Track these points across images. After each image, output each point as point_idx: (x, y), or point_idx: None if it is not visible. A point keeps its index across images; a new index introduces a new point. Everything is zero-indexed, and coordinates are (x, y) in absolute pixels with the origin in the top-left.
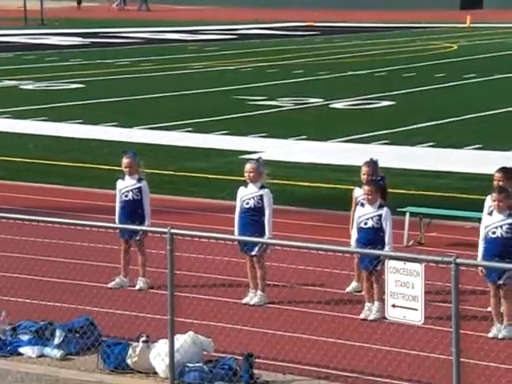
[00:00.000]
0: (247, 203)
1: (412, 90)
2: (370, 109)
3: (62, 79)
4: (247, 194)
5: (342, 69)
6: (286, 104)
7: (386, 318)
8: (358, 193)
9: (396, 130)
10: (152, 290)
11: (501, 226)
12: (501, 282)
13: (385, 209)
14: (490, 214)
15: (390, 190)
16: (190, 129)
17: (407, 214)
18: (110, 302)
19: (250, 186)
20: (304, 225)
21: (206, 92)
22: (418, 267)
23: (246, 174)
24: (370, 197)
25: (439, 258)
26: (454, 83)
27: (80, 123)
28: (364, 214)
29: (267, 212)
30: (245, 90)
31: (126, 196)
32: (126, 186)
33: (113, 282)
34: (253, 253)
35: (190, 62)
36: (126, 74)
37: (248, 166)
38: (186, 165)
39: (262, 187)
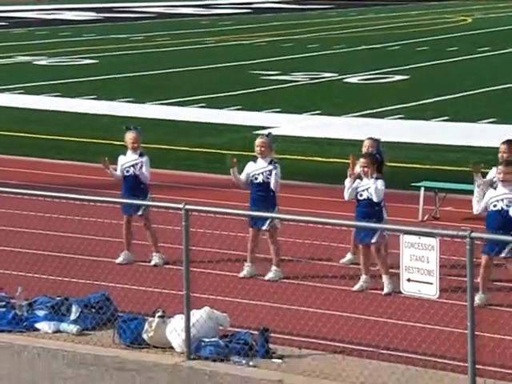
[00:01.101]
0: (256, 178)
1: (425, 64)
2: (383, 83)
3: (76, 54)
4: (256, 169)
5: (356, 43)
6: (300, 79)
7: (400, 292)
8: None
9: (410, 104)
10: (167, 266)
11: (502, 200)
12: (503, 255)
13: (378, 181)
14: (493, 187)
15: (404, 165)
16: (203, 104)
17: (422, 189)
18: (126, 277)
19: (260, 161)
20: (316, 200)
21: (220, 67)
22: (433, 241)
23: (256, 149)
24: (365, 169)
25: (454, 233)
26: (468, 57)
27: (93, 99)
28: (360, 185)
29: (272, 186)
30: (259, 64)
31: (128, 171)
32: (127, 161)
33: (120, 259)
34: (264, 227)
35: (203, 36)
36: (139, 49)
37: (258, 141)
38: (200, 141)
39: (271, 162)
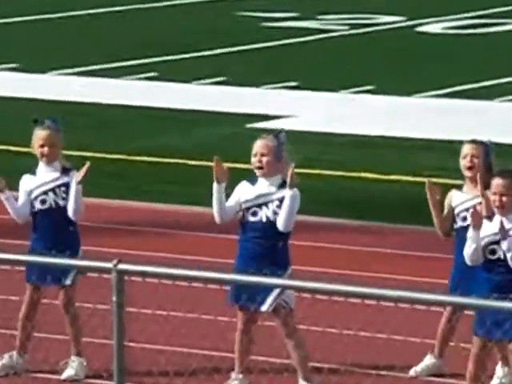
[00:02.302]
0: (254, 213)
1: None
2: (490, 34)
3: None
4: (255, 198)
5: None
6: (334, 27)
7: None
8: (458, 198)
9: None
10: (90, 381)
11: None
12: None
13: None
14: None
15: None
16: (153, 74)
17: None
18: None
19: (261, 182)
20: (361, 251)
21: (185, 4)
22: None
23: (254, 160)
24: (505, 199)
25: None
26: None
27: None
28: (492, 233)
29: (282, 227)
30: (255, 1)
31: (44, 202)
32: (41, 182)
33: None
34: (263, 307)
35: None
36: None
37: (259, 145)
38: (147, 142)
39: (283, 184)
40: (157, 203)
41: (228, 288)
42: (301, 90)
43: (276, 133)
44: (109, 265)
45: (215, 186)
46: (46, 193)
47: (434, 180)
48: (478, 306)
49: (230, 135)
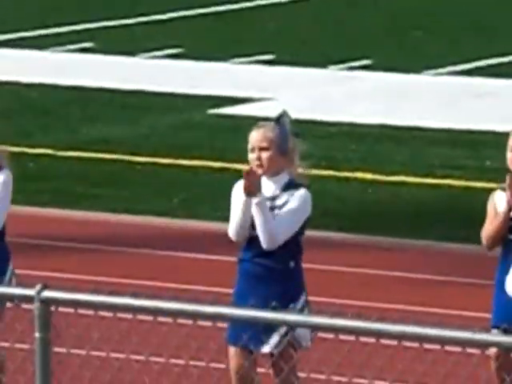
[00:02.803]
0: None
1: None
2: None
3: None
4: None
5: None
6: None
7: None
8: (502, 198)
9: None
10: None
11: None
12: None
13: None
14: None
15: None
16: (89, 44)
17: None
18: None
19: (264, 182)
20: (356, 274)
21: None
22: None
23: (251, 157)
24: None
25: None
26: None
27: None
28: None
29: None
30: None
31: None
32: None
33: None
34: (266, 349)
35: None
36: None
37: (256, 137)
38: (82, 134)
39: (289, 186)
40: (91, 211)
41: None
42: (278, 65)
43: (277, 117)
44: (31, 292)
45: (245, 199)
46: None
47: (451, 182)
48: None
49: (188, 124)
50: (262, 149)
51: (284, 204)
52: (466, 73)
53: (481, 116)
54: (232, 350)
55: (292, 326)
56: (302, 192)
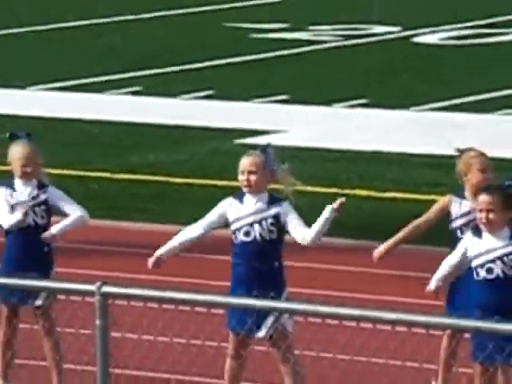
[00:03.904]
0: (247, 233)
1: None
2: (491, 45)
3: None
4: (245, 217)
5: None
6: (325, 38)
7: None
8: (457, 207)
9: None
10: None
11: (501, 258)
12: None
13: None
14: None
15: None
16: (138, 88)
17: None
18: None
19: (250, 199)
20: (356, 273)
21: (170, 16)
22: None
23: (241, 178)
24: (491, 216)
25: None
26: None
27: None
28: (484, 250)
29: (309, 240)
30: (244, 11)
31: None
32: (17, 201)
33: None
34: (260, 333)
35: None
36: None
37: (246, 163)
38: (131, 160)
39: (273, 200)
40: (143, 223)
41: (220, 312)
42: (291, 103)
43: (263, 147)
44: (92, 287)
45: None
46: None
47: (434, 197)
48: (477, 328)
49: (218, 151)
50: (250, 172)
51: (275, 216)
52: (440, 109)
53: (456, 144)
54: (231, 335)
55: (278, 315)
56: (288, 204)
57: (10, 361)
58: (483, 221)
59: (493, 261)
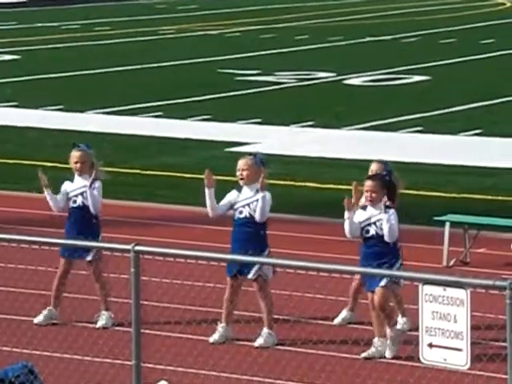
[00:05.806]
0: (241, 212)
1: (452, 62)
2: (396, 86)
3: None
4: (241, 201)
5: (360, 33)
6: (286, 80)
7: (419, 361)
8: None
9: (431, 113)
10: (116, 328)
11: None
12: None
13: (391, 211)
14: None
15: (424, 193)
16: (159, 113)
17: (447, 224)
18: (56, 342)
19: (244, 190)
20: (310, 238)
21: (180, 65)
22: (463, 294)
23: (238, 173)
24: (373, 195)
25: (490, 282)
26: (507, 52)
27: (14, 106)
28: (365, 218)
29: (258, 219)
30: (231, 61)
31: (75, 202)
32: (74, 188)
33: (39, 318)
34: (250, 276)
35: (158, 24)
36: (74, 42)
37: (241, 163)
38: (156, 161)
39: (257, 191)
40: (164, 204)
41: (224, 264)
42: (263, 124)
43: (254, 153)
44: (128, 247)
45: (206, 190)
46: (76, 196)
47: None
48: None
49: (214, 156)
50: (243, 169)
51: (258, 200)
52: (362, 129)
53: (378, 152)
54: (228, 278)
55: (261, 266)
56: (265, 195)
57: (61, 293)
58: (369, 198)
59: (369, 224)
